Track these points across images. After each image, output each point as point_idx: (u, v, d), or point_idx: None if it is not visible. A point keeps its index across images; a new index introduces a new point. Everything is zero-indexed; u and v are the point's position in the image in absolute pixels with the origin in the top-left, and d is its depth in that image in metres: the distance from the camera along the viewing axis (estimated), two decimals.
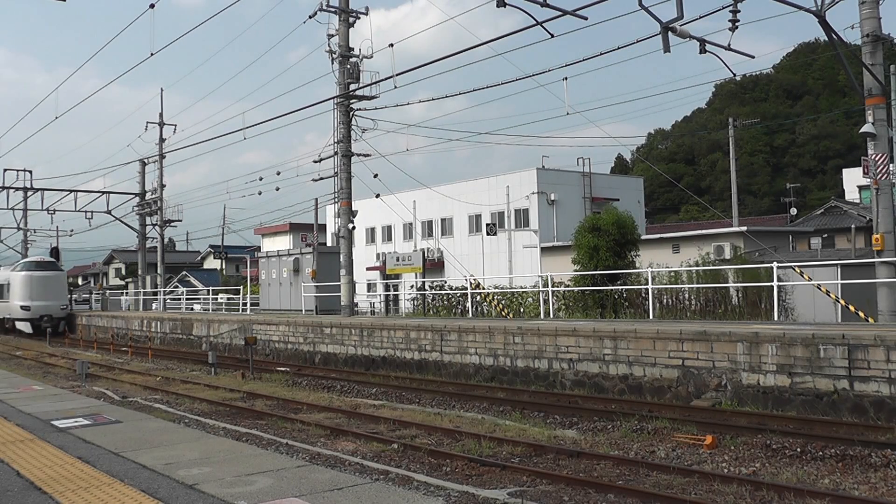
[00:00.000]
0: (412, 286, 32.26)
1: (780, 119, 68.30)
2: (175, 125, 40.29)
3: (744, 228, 27.22)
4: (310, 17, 24.66)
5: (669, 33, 13.96)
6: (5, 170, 40.22)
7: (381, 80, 23.54)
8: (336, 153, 25.36)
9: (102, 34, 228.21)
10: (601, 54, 21.13)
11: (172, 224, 40.04)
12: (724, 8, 15.33)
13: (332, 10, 24.52)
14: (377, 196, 28.04)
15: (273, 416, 13.32)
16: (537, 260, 34.07)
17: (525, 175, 37.31)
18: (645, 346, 14.07)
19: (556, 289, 22.05)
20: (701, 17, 15.89)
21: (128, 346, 29.35)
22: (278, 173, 35.86)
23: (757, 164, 72.47)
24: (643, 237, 25.52)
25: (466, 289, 24.84)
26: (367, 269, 41.28)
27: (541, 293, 21.89)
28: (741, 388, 12.57)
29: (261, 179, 40.90)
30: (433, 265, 38.14)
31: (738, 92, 79.35)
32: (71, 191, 40.64)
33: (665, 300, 20.05)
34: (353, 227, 24.99)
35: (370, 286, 39.71)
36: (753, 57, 19.48)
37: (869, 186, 16.18)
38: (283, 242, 51.91)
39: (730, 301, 19.05)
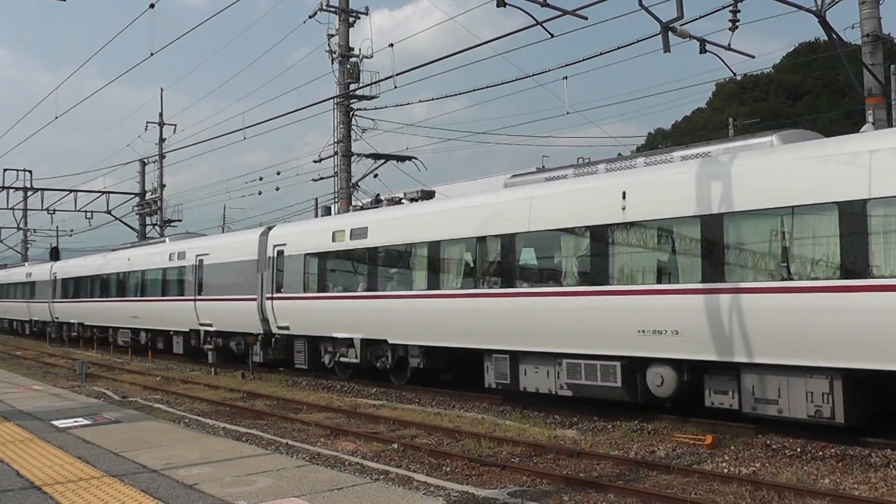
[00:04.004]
0: None
1: (780, 119, 68.15)
2: (175, 125, 40.35)
3: None
4: (310, 17, 24.76)
5: (669, 33, 13.92)
6: (5, 170, 39.87)
7: (381, 80, 23.61)
8: (336, 153, 25.37)
9: (103, 34, 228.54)
10: (601, 54, 21.04)
11: (172, 224, 40.03)
12: (724, 8, 15.29)
13: (333, 9, 24.58)
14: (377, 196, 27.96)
15: (273, 415, 13.33)
16: None
17: None
18: None
19: None
20: (701, 17, 15.83)
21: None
22: (278, 173, 35.70)
23: None
24: None
25: None
26: None
27: None
28: None
29: (261, 179, 40.53)
30: None
31: (738, 92, 79.23)
32: (71, 191, 40.55)
33: None
34: None
35: None
36: (753, 57, 19.51)
37: None
38: None
39: None
